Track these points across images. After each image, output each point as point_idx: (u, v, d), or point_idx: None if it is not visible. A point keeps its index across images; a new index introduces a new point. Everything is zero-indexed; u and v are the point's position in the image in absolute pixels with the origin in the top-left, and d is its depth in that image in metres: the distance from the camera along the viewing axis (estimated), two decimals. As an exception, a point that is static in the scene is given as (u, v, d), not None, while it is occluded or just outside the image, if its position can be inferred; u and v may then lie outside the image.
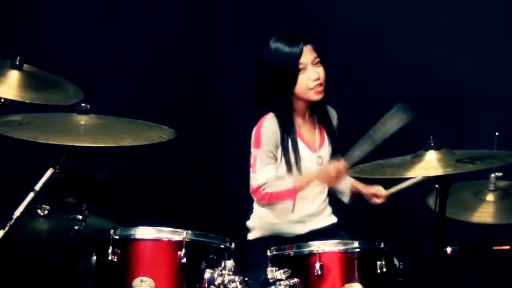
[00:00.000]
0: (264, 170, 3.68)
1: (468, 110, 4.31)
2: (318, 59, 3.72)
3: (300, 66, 3.69)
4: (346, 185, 3.84)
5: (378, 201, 3.74)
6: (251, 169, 3.70)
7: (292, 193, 3.65)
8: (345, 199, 3.87)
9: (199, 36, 4.88)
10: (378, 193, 3.73)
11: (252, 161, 3.70)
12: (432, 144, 3.06)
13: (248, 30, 4.88)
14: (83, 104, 3.13)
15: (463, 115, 4.31)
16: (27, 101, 3.19)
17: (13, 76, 3.26)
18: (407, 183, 3.58)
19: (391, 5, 4.48)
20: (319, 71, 3.71)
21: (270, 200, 3.67)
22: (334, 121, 3.88)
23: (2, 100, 3.23)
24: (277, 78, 3.69)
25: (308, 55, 3.70)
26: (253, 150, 3.71)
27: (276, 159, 3.70)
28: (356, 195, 3.83)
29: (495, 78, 4.24)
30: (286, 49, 3.70)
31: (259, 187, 3.67)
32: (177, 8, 4.86)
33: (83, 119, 3.09)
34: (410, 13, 4.45)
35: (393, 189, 3.68)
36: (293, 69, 3.68)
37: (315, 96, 3.72)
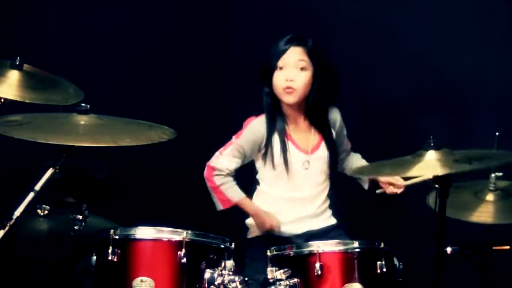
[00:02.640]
0: (229, 159, 3.75)
1: (468, 110, 4.31)
2: (303, 63, 3.71)
3: (280, 64, 3.70)
4: None
5: (395, 190, 3.69)
6: (220, 149, 3.77)
7: (230, 202, 3.75)
8: (365, 185, 3.87)
9: (199, 36, 4.88)
10: (396, 182, 3.69)
11: (226, 144, 3.77)
12: (432, 144, 3.06)
13: (248, 30, 4.88)
14: (83, 104, 3.13)
15: (463, 115, 4.31)
16: (27, 101, 3.19)
17: (13, 76, 3.25)
18: (425, 177, 3.52)
19: (391, 5, 4.48)
20: (297, 75, 3.70)
21: (211, 188, 3.77)
22: (338, 120, 3.87)
23: (2, 100, 3.22)
24: (261, 70, 3.74)
25: (292, 56, 3.70)
26: (233, 137, 3.78)
27: (244, 157, 3.76)
28: (374, 183, 3.80)
29: (495, 78, 4.23)
30: (275, 46, 3.73)
31: (214, 168, 3.75)
32: (177, 8, 4.86)
33: (83, 119, 3.09)
34: (410, 13, 4.45)
35: (411, 181, 3.63)
36: (271, 65, 3.70)
37: (285, 98, 3.71)
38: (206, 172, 3.78)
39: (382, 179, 3.73)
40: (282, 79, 3.70)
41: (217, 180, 3.75)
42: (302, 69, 3.70)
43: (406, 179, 3.65)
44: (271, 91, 3.73)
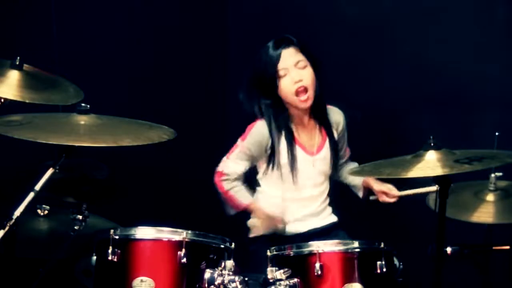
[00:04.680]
0: (236, 163, 3.74)
1: (468, 110, 4.31)
2: (302, 62, 3.68)
3: (281, 71, 3.67)
4: (359, 180, 3.85)
5: (387, 199, 3.71)
6: (227, 153, 3.76)
7: (240, 206, 3.74)
8: (360, 193, 3.88)
9: (200, 36, 4.88)
10: (389, 192, 3.70)
11: (232, 148, 3.76)
12: (432, 144, 3.06)
13: (248, 29, 4.88)
14: (83, 104, 3.13)
15: (463, 115, 4.31)
16: (27, 101, 3.18)
17: (13, 76, 3.25)
18: (421, 190, 3.57)
19: (391, 5, 4.48)
20: (303, 74, 3.68)
21: (223, 195, 3.76)
22: (341, 123, 3.87)
23: (2, 100, 3.22)
24: (259, 83, 3.70)
25: (288, 59, 3.67)
26: (239, 140, 3.77)
27: (251, 159, 3.74)
28: (368, 191, 3.82)
29: (495, 78, 4.23)
30: (264, 55, 3.69)
31: (222, 173, 3.75)
32: (177, 8, 4.86)
33: (83, 119, 3.09)
34: (410, 13, 4.45)
35: (405, 192, 3.66)
36: (270, 75, 3.67)
37: (301, 105, 3.70)
38: (215, 178, 3.78)
39: (376, 187, 3.74)
40: (289, 84, 3.67)
41: (226, 185, 3.75)
42: (300, 67, 3.68)
43: (403, 189, 3.66)
44: (272, 101, 3.71)
